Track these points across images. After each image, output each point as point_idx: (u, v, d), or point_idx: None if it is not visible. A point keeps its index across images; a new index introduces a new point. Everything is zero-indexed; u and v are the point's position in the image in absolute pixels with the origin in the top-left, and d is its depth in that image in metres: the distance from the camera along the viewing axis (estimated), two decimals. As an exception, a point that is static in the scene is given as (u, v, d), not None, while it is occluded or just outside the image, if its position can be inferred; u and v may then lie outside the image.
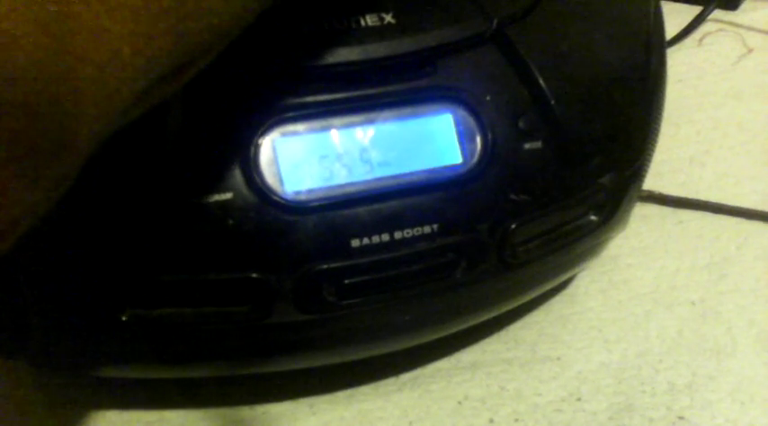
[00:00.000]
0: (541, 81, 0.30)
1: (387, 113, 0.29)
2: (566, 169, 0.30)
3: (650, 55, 0.35)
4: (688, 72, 0.57)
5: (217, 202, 0.26)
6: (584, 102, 0.31)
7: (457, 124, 0.29)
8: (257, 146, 0.27)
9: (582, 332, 0.37)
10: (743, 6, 0.65)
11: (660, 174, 0.46)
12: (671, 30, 0.57)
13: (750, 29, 0.61)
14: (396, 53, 0.28)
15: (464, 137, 0.29)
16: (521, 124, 0.30)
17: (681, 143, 0.50)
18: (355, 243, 0.27)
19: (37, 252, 0.26)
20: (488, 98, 0.29)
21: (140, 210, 0.26)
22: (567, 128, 0.30)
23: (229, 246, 0.26)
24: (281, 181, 0.27)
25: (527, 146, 0.30)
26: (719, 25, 0.62)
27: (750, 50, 0.59)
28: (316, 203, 0.27)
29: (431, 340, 0.34)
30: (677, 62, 0.57)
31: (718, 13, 0.63)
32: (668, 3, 0.64)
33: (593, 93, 0.32)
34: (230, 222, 0.26)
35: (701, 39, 0.60)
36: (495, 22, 0.30)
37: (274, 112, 0.27)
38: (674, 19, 0.60)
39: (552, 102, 0.30)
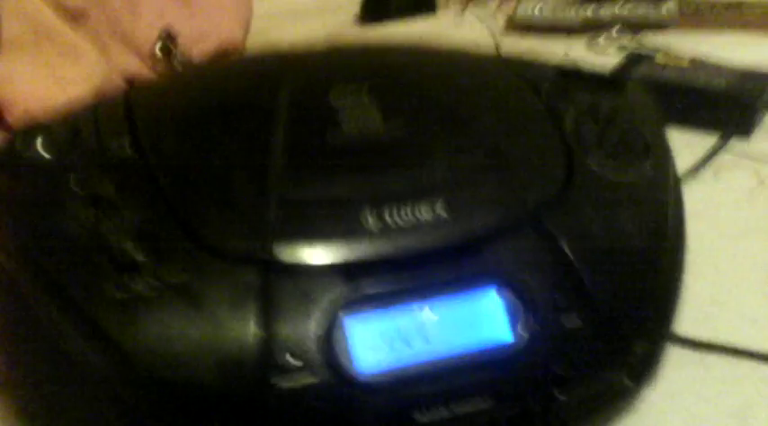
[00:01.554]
0: (575, 262, 0.35)
1: (444, 298, 0.33)
2: (603, 341, 0.35)
3: (675, 224, 0.39)
4: (704, 206, 0.58)
5: (304, 386, 0.30)
6: (615, 279, 0.36)
7: (505, 305, 0.33)
8: (332, 332, 0.31)
9: (619, 477, 0.40)
10: (754, 137, 0.68)
11: (683, 315, 0.49)
12: (686, 161, 0.60)
13: (762, 160, 0.65)
14: (451, 244, 0.34)
15: (513, 317, 0.33)
16: (560, 303, 0.34)
17: (701, 282, 0.51)
18: (420, 417, 0.31)
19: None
20: (531, 280, 0.34)
21: (233, 398, 0.30)
22: (602, 305, 0.35)
23: (314, 423, 0.31)
24: (354, 363, 0.31)
25: (567, 323, 0.34)
26: (731, 156, 0.65)
27: (761, 182, 0.63)
28: (385, 381, 0.31)
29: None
30: (692, 196, 0.60)
31: (730, 143, 0.66)
32: (680, 134, 0.68)
33: (624, 269, 0.36)
34: (316, 404, 0.30)
35: (715, 172, 0.64)
36: (532, 207, 0.35)
37: (347, 300, 0.32)
38: (688, 150, 0.63)
39: (587, 283, 0.34)
